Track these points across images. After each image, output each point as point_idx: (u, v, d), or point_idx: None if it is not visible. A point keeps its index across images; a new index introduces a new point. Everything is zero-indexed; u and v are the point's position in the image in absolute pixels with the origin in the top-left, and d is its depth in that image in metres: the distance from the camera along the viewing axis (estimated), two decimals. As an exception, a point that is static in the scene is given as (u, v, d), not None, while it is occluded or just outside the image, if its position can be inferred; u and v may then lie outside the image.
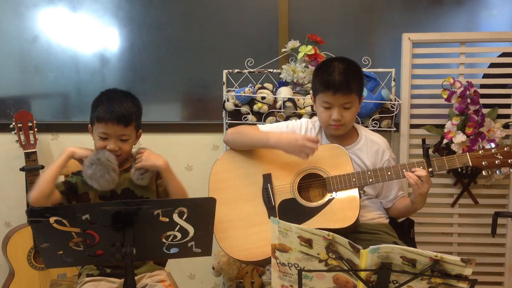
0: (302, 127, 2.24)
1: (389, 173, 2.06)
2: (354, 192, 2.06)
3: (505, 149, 1.99)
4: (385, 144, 2.24)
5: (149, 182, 2.04)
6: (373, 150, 2.20)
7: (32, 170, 2.72)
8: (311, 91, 2.23)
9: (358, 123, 2.63)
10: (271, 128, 2.24)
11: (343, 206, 2.04)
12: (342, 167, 2.09)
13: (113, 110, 1.95)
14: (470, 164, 2.01)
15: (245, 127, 2.27)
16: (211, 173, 2.24)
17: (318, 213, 2.05)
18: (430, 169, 2.02)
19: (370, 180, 2.06)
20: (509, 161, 1.98)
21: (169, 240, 1.69)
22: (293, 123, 2.27)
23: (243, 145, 2.22)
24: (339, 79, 2.05)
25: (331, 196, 2.07)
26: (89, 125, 2.05)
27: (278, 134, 2.12)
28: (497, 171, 2.08)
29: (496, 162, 1.99)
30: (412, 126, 2.87)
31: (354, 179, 2.06)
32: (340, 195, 2.06)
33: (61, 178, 2.08)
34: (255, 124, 2.32)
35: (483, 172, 2.05)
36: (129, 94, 2.05)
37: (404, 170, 2.04)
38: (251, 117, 2.79)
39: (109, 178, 1.95)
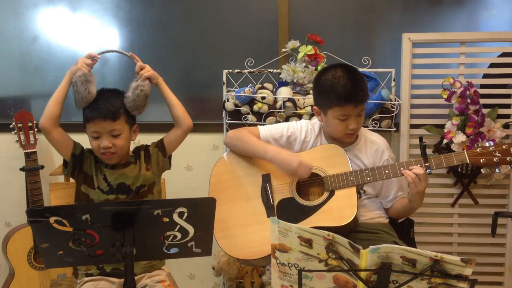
0: (303, 129, 2.24)
1: (386, 171, 2.06)
2: (352, 190, 2.06)
3: (503, 147, 1.99)
4: (384, 144, 2.24)
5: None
6: (373, 150, 2.20)
7: (32, 170, 2.73)
8: (316, 106, 2.19)
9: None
10: (271, 130, 2.24)
11: (341, 204, 2.04)
12: (340, 167, 2.09)
13: (98, 107, 1.97)
14: (468, 162, 2.00)
15: (246, 133, 2.23)
16: (211, 175, 2.25)
17: (316, 211, 2.05)
18: (426, 164, 2.02)
19: (368, 178, 2.07)
20: (508, 158, 1.98)
21: (169, 240, 1.69)
22: (294, 125, 2.27)
23: (242, 152, 2.23)
24: (356, 91, 2.04)
25: (329, 194, 2.07)
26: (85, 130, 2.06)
27: (276, 150, 2.13)
28: (496, 170, 2.08)
29: (494, 159, 1.98)
30: (412, 126, 2.87)
31: (352, 178, 2.06)
32: (338, 194, 2.06)
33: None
34: (256, 125, 2.32)
35: (481, 170, 2.04)
36: (116, 91, 2.06)
37: (401, 168, 2.04)
38: (251, 117, 2.79)
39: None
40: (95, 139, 1.99)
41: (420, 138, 2.08)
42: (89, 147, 2.08)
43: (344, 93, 2.04)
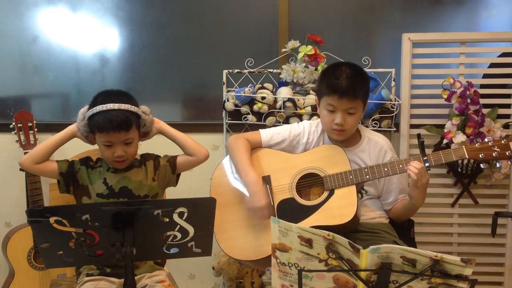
0: (305, 131, 2.25)
1: (385, 169, 2.06)
2: (352, 189, 2.06)
3: (503, 141, 1.98)
4: (387, 145, 2.23)
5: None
6: (376, 151, 2.20)
7: (32, 170, 2.72)
8: (315, 93, 2.21)
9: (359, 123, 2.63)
10: (273, 135, 2.25)
11: (340, 203, 2.05)
12: (340, 166, 2.09)
13: (112, 119, 1.91)
14: (467, 157, 1.98)
15: (240, 145, 2.21)
16: (212, 178, 2.26)
17: (316, 210, 2.05)
18: (425, 158, 2.01)
19: (367, 176, 2.06)
20: (507, 153, 1.96)
21: (169, 240, 1.69)
22: (296, 128, 2.27)
23: (232, 160, 2.24)
24: (346, 83, 2.04)
25: (329, 194, 2.07)
26: (89, 133, 2.02)
27: (254, 180, 2.11)
28: (497, 164, 2.07)
29: (493, 154, 1.96)
30: (412, 126, 2.87)
31: (351, 177, 2.06)
32: (337, 193, 2.06)
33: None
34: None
35: (481, 165, 2.03)
36: (124, 94, 2.01)
37: (400, 166, 2.04)
38: (251, 117, 2.79)
39: None
40: (108, 147, 1.97)
41: (418, 135, 2.06)
42: (77, 156, 2.08)
43: (334, 83, 2.05)
